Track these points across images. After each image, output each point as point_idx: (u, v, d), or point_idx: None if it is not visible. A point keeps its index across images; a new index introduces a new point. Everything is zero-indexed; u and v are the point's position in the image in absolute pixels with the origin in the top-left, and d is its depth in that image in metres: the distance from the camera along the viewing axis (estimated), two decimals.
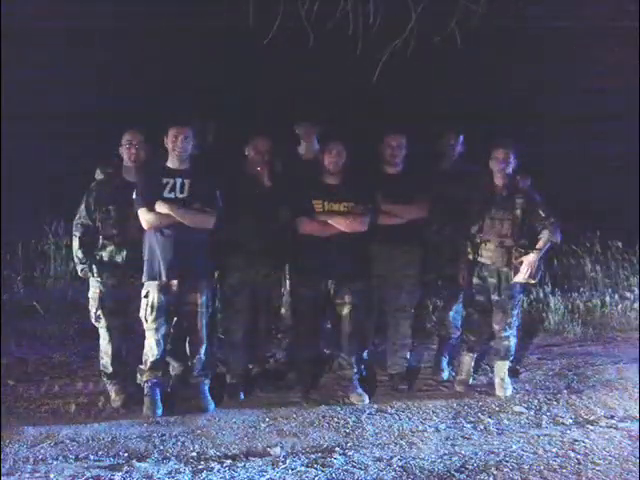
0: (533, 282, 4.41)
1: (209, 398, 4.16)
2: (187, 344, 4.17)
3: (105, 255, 4.12)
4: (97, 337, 4.25)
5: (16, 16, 6.55)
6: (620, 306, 6.27)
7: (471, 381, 4.60)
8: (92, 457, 3.45)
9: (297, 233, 4.27)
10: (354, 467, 3.36)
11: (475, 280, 4.44)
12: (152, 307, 3.98)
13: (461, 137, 4.69)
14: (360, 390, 4.34)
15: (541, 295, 6.37)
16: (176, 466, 3.36)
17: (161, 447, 3.58)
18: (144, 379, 4.06)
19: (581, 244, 6.97)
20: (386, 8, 4.13)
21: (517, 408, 4.18)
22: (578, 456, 3.49)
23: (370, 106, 6.95)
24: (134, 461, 3.40)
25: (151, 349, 4.03)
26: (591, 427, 3.88)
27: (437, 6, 4.18)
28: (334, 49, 5.07)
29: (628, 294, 6.45)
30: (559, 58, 7.96)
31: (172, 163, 4.09)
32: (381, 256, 4.42)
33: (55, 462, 3.38)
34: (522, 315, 5.27)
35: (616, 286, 6.70)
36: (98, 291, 4.13)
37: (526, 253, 4.29)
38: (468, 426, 3.91)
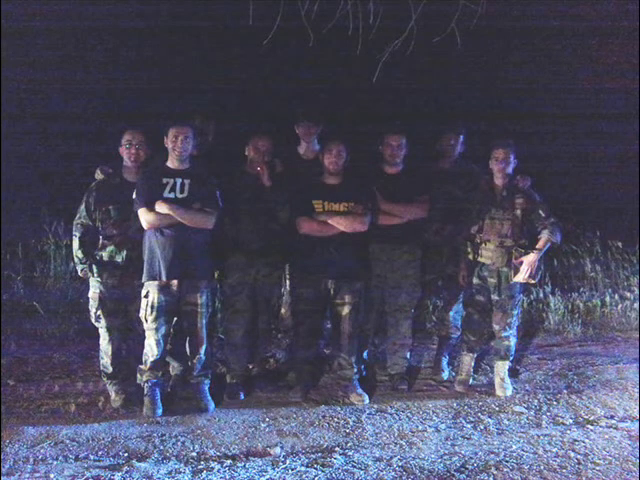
0: (533, 282, 4.41)
1: (209, 398, 4.15)
2: (187, 344, 4.17)
3: (105, 255, 4.12)
4: (97, 337, 4.25)
5: (16, 16, 6.55)
6: (620, 306, 6.28)
7: (471, 381, 4.60)
8: (92, 457, 3.45)
9: (297, 233, 4.27)
10: (354, 467, 3.35)
11: (475, 280, 4.44)
12: (152, 307, 3.98)
13: (461, 137, 4.69)
14: (360, 390, 4.34)
15: (541, 295, 6.37)
16: (176, 466, 3.36)
17: (161, 447, 3.58)
18: (144, 379, 4.06)
19: (581, 244, 6.98)
20: (386, 8, 4.12)
21: (517, 408, 4.18)
22: (578, 456, 3.49)
23: (370, 106, 6.95)
24: (134, 461, 3.40)
25: (151, 349, 4.03)
26: (591, 427, 3.88)
27: (437, 6, 4.18)
28: (334, 49, 5.07)
29: (628, 294, 6.46)
30: (559, 58, 7.97)
31: (172, 163, 4.09)
32: (381, 256, 4.43)
33: (55, 462, 3.38)
34: (522, 315, 5.29)
35: (616, 286, 6.71)
36: (98, 291, 4.13)
37: (526, 253, 4.30)
38: (468, 426, 3.91)
